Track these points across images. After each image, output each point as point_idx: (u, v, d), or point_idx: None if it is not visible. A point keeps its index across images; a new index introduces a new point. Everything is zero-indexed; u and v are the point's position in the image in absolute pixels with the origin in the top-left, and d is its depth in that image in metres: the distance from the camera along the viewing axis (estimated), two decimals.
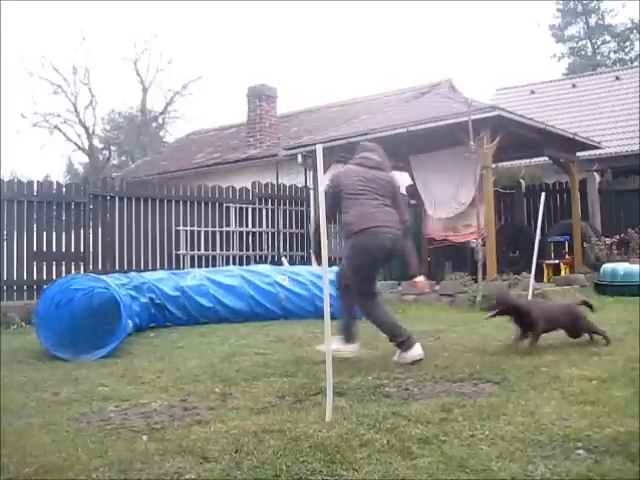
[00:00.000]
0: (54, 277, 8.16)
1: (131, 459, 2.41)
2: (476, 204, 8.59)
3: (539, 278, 9.42)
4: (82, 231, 8.96)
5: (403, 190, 12.03)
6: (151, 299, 6.75)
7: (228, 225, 10.56)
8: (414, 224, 10.60)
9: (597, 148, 11.35)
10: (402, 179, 12.18)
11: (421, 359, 4.21)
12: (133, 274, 7.16)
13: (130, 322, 5.60)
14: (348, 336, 4.50)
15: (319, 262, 3.89)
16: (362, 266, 4.38)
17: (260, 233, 10.96)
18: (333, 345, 4.39)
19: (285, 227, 11.35)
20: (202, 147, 17.45)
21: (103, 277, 5.84)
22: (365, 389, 3.48)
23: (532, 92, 17.74)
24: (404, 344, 4.27)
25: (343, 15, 62.65)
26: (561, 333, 4.78)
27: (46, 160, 58.79)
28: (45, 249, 8.67)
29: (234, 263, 10.31)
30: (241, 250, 10.65)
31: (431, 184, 10.01)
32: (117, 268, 9.03)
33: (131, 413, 3.19)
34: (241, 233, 10.70)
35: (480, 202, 8.59)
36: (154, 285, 6.85)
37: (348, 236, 4.41)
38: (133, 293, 6.47)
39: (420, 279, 4.61)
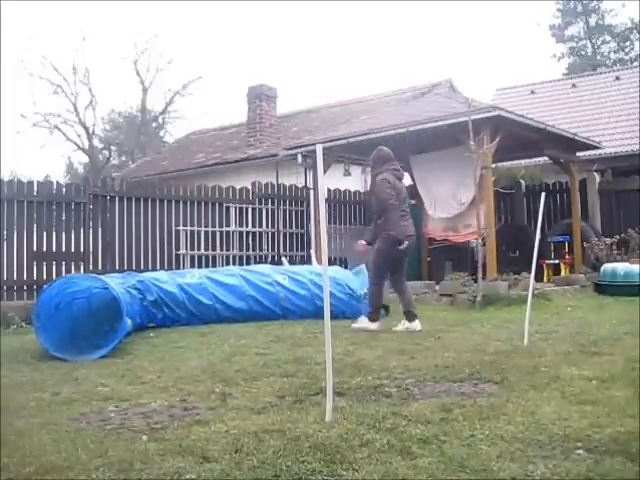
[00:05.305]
0: (54, 277, 8.15)
1: (131, 459, 2.41)
2: (476, 204, 8.58)
3: (539, 278, 9.43)
4: (82, 231, 8.95)
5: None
6: (150, 297, 6.74)
7: (228, 225, 10.56)
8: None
9: (597, 148, 11.35)
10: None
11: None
12: (128, 274, 7.13)
13: (130, 321, 5.59)
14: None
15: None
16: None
17: (260, 233, 10.95)
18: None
19: (285, 227, 11.35)
20: (202, 147, 17.46)
21: (102, 276, 5.84)
22: (365, 389, 3.48)
23: (532, 92, 17.74)
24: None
25: (343, 15, 62.71)
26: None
27: (46, 160, 58.80)
28: (45, 249, 8.66)
29: (234, 263, 10.31)
30: (241, 250, 10.64)
31: (431, 184, 10.00)
32: (117, 268, 9.01)
33: (131, 413, 3.19)
34: (241, 233, 10.69)
35: (480, 202, 8.59)
36: (152, 283, 6.84)
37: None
38: (132, 292, 6.47)
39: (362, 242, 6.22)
